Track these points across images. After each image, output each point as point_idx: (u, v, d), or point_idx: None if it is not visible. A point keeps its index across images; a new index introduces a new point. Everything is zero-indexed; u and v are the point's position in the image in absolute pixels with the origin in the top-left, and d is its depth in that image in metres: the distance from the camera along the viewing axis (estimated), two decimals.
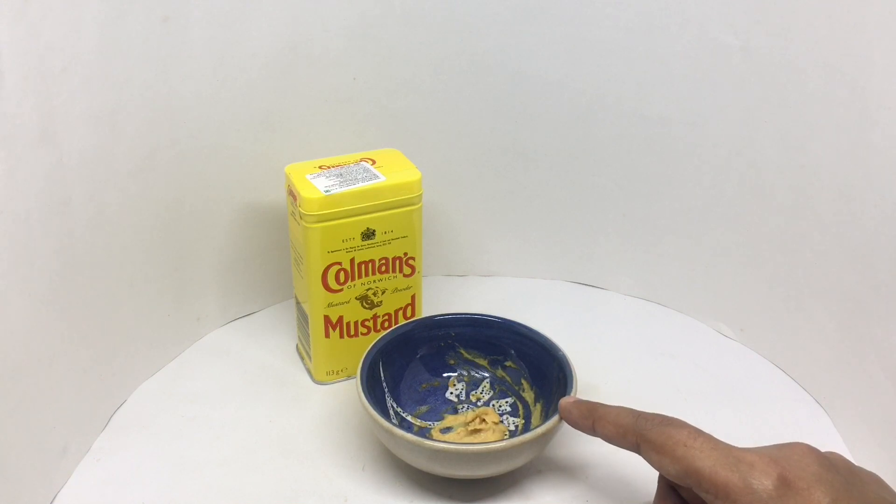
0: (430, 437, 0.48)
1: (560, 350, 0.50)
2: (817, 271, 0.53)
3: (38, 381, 0.45)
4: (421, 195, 0.53)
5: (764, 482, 0.35)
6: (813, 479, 0.35)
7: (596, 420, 0.43)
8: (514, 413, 0.52)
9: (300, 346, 0.59)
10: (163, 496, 0.47)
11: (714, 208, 0.59)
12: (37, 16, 0.41)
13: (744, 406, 0.54)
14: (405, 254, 0.54)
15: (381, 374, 0.51)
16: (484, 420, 0.51)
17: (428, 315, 0.55)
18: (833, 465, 0.36)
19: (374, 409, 0.46)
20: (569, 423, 0.45)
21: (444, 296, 0.65)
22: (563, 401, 0.46)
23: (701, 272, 0.62)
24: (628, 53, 0.57)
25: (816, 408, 0.55)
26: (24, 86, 0.41)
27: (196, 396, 0.55)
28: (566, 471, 0.49)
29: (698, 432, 0.38)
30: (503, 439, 0.45)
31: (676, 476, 0.38)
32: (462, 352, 0.55)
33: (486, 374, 0.54)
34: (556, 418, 0.45)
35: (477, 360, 0.55)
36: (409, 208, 0.53)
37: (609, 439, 0.42)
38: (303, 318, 0.56)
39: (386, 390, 0.52)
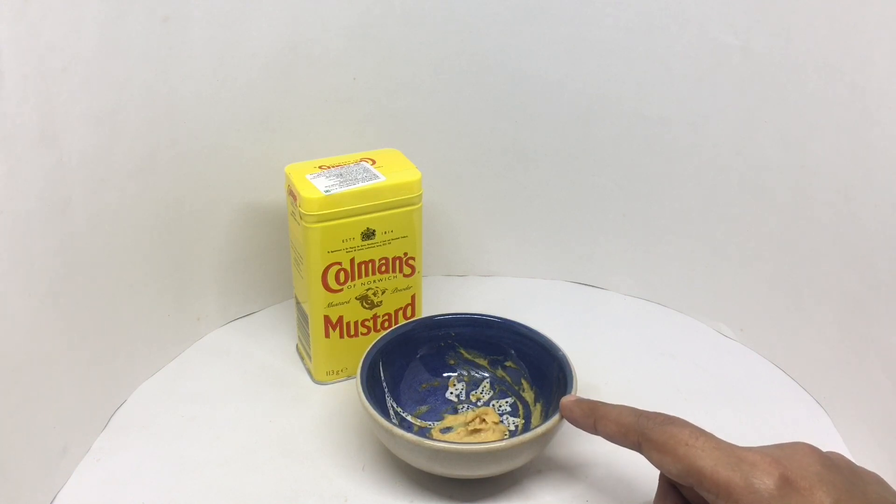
0: (430, 437, 0.48)
1: (560, 350, 0.50)
2: (817, 271, 0.53)
3: (38, 381, 0.45)
4: (421, 195, 0.53)
5: (766, 482, 0.35)
6: (815, 479, 0.35)
7: (597, 419, 0.43)
8: (514, 413, 0.52)
9: (300, 346, 0.59)
10: (163, 496, 0.47)
11: (714, 208, 0.59)
12: (37, 16, 0.41)
13: (744, 406, 0.54)
14: (405, 254, 0.54)
15: (381, 374, 0.51)
16: (484, 420, 0.51)
17: (428, 315, 0.55)
18: (835, 465, 0.36)
19: (374, 409, 0.46)
20: (570, 422, 0.45)
21: (444, 296, 0.65)
22: (565, 399, 0.46)
23: (701, 272, 0.62)
24: (628, 53, 0.57)
25: (816, 408, 0.55)
26: (24, 86, 0.41)
27: (196, 396, 0.55)
28: (566, 470, 0.49)
29: (700, 431, 0.38)
30: (503, 439, 0.45)
31: (678, 475, 0.38)
32: (462, 352, 0.55)
33: (486, 374, 0.54)
34: (556, 418, 0.45)
35: (477, 360, 0.55)
36: (409, 208, 0.53)
37: (610, 438, 0.42)
38: (303, 318, 0.56)
39: (386, 390, 0.52)
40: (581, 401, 0.45)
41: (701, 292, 0.62)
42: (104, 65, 0.46)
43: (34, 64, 0.42)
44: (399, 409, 0.52)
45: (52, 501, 0.47)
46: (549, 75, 0.59)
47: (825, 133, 0.50)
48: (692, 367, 0.58)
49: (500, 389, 0.54)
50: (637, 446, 0.40)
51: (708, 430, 0.39)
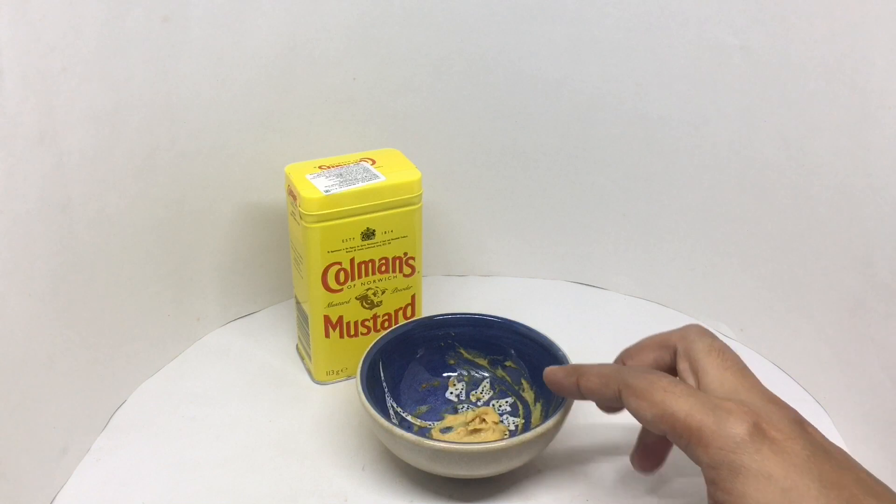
0: (430, 437, 0.48)
1: (560, 350, 0.50)
2: (817, 271, 0.53)
3: (38, 381, 0.45)
4: (421, 195, 0.53)
5: (738, 428, 0.35)
6: (789, 432, 0.35)
7: (580, 375, 0.43)
8: (514, 413, 0.52)
9: (300, 346, 0.59)
10: (163, 496, 0.47)
11: (714, 208, 0.59)
12: (37, 16, 0.41)
13: None
14: (405, 254, 0.54)
15: (381, 374, 0.51)
16: (484, 420, 0.51)
17: (428, 315, 0.55)
18: (810, 427, 0.37)
19: (374, 409, 0.46)
20: (553, 385, 0.46)
21: (444, 296, 0.65)
22: (548, 367, 0.46)
23: (701, 272, 0.62)
24: (628, 53, 0.57)
25: (816, 408, 0.55)
26: (24, 86, 0.41)
27: (196, 396, 0.55)
28: (566, 470, 0.49)
29: (680, 381, 0.39)
30: (503, 439, 0.45)
31: (652, 420, 0.38)
32: (462, 351, 0.55)
33: (486, 374, 0.54)
34: (556, 418, 0.45)
35: (477, 360, 0.55)
36: (409, 208, 0.53)
37: (592, 391, 0.43)
38: (303, 318, 0.56)
39: (386, 390, 0.52)
40: (564, 366, 0.46)
41: (701, 292, 0.62)
42: (104, 65, 0.46)
43: (34, 64, 0.42)
44: (399, 409, 0.52)
45: (52, 501, 0.47)
46: (549, 75, 0.59)
47: (825, 133, 0.50)
48: None
49: (500, 389, 0.54)
50: (616, 395, 0.40)
51: None
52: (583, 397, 0.44)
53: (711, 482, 0.35)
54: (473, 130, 0.62)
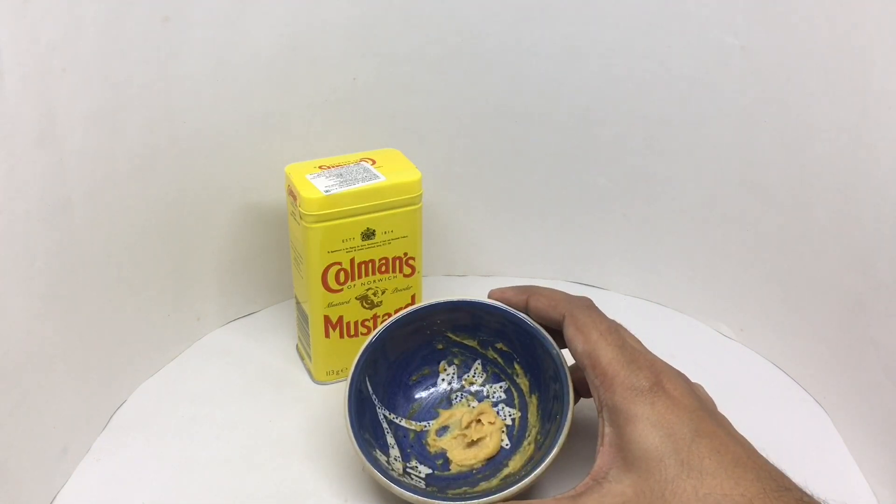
0: (432, 493, 0.46)
1: (548, 338, 0.48)
2: (817, 271, 0.53)
3: (38, 381, 0.45)
4: (421, 195, 0.53)
5: (643, 382, 0.41)
6: (683, 390, 0.41)
7: (531, 294, 0.48)
8: (509, 402, 0.52)
9: (300, 346, 0.59)
10: (163, 496, 0.47)
11: (714, 208, 0.59)
12: (37, 16, 0.41)
13: (744, 406, 0.54)
14: (405, 254, 0.54)
15: (369, 389, 0.50)
16: (479, 421, 0.51)
17: (411, 308, 0.52)
18: (696, 389, 0.44)
19: (370, 458, 0.45)
20: (501, 300, 0.49)
21: (444, 296, 0.65)
22: (495, 289, 0.50)
23: (701, 272, 0.62)
24: (628, 53, 0.57)
25: (816, 408, 0.55)
26: (24, 86, 0.41)
27: (196, 396, 0.55)
28: (566, 471, 0.49)
29: (616, 328, 0.44)
30: (504, 485, 0.44)
31: (581, 354, 0.43)
32: (450, 335, 0.53)
33: (477, 357, 0.53)
34: (549, 458, 0.44)
35: (466, 342, 0.53)
36: (409, 208, 0.53)
37: (538, 311, 0.47)
38: (303, 318, 0.56)
39: (376, 402, 0.50)
40: (515, 285, 0.50)
41: (701, 292, 0.62)
42: (104, 65, 0.46)
43: (34, 64, 0.42)
44: (393, 417, 0.51)
45: (52, 501, 0.47)
46: (550, 75, 0.59)
47: (825, 133, 0.50)
48: (692, 367, 0.58)
49: (492, 372, 0.53)
50: (560, 318, 0.46)
51: None
52: (527, 313, 0.48)
53: (609, 422, 0.41)
54: (473, 130, 0.62)
